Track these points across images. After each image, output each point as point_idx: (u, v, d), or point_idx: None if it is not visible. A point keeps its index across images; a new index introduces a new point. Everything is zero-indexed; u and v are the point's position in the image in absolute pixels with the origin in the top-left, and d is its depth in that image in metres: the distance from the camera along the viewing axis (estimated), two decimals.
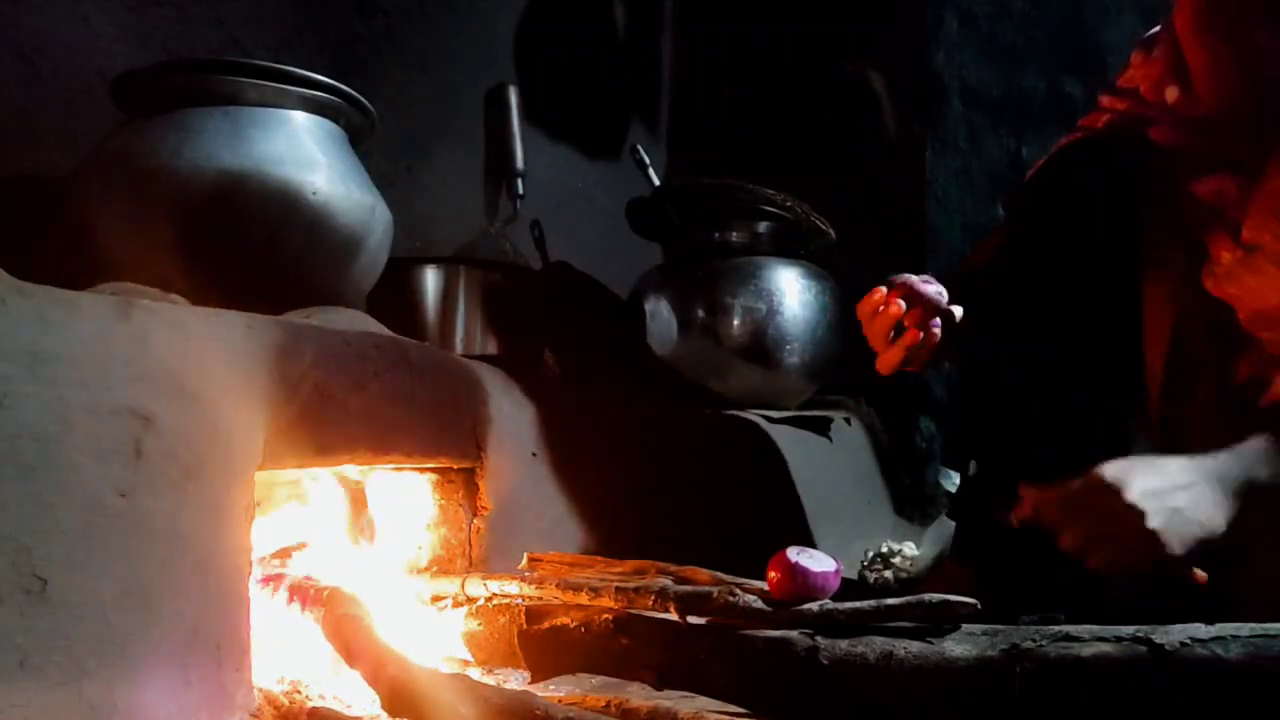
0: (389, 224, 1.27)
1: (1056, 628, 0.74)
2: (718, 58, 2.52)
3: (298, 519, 1.11)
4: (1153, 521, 0.89)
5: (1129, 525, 0.89)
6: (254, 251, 1.12)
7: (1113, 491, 0.90)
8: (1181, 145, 1.09)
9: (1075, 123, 1.24)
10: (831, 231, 1.78)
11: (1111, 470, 0.91)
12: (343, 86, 1.20)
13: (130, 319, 0.74)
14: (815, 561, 0.85)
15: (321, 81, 1.18)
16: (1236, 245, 1.00)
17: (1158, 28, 1.15)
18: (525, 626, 0.95)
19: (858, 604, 0.82)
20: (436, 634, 1.03)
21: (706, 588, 0.89)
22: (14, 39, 1.21)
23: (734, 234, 1.77)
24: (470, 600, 1.04)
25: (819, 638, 0.81)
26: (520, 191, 1.95)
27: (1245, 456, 0.92)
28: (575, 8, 2.28)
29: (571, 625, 0.93)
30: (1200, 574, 0.99)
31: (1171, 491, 0.90)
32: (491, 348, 1.66)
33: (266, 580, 1.01)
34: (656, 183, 1.87)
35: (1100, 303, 1.11)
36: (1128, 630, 0.71)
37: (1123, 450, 1.19)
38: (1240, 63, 1.03)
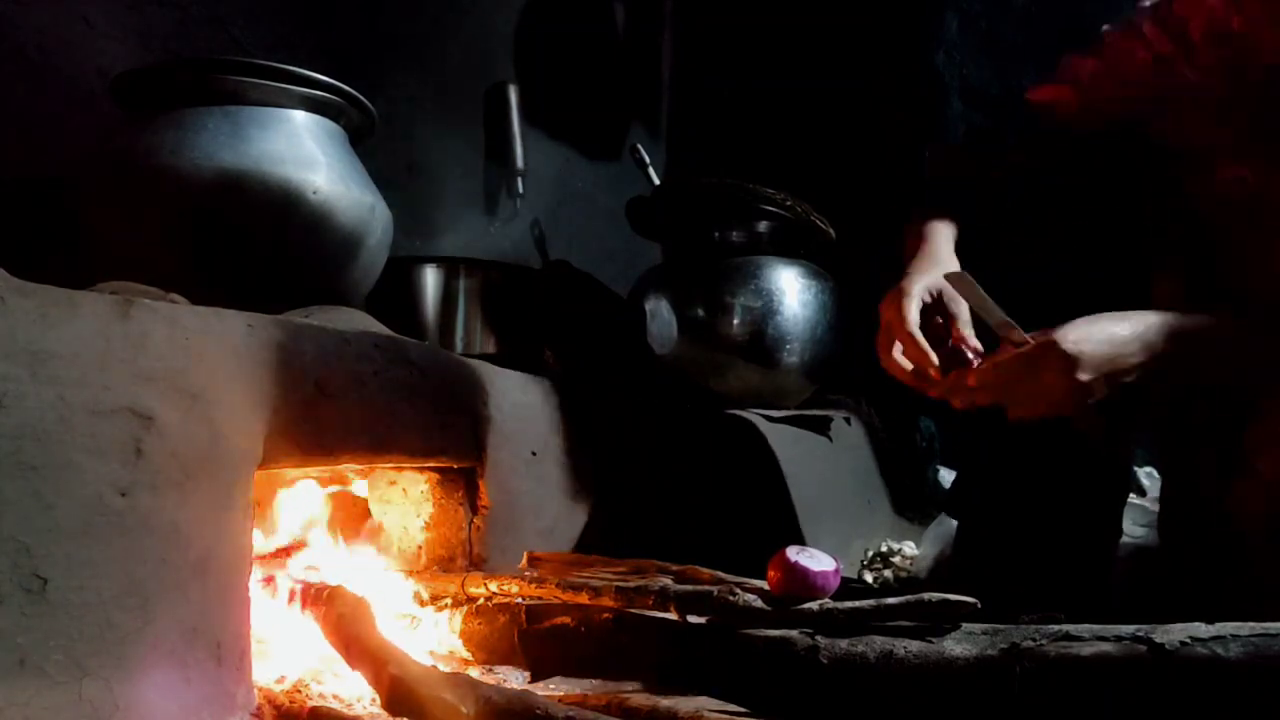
0: (389, 223, 1.27)
1: (1056, 627, 0.75)
2: (718, 58, 2.52)
3: (298, 518, 1.11)
4: (1082, 373, 0.90)
5: (1058, 376, 0.91)
6: (254, 251, 1.12)
7: (1049, 345, 0.91)
8: (1204, 132, 1.07)
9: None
10: (831, 231, 1.78)
11: (1070, 344, 0.92)
12: (343, 86, 1.20)
13: (130, 318, 0.74)
14: (815, 561, 0.85)
15: (322, 81, 1.18)
16: (1260, 234, 1.00)
17: None
18: (525, 626, 0.95)
19: (857, 603, 0.82)
20: (437, 633, 1.03)
21: (706, 587, 0.89)
22: (14, 39, 1.21)
23: (734, 233, 1.77)
24: (470, 599, 1.04)
25: (819, 637, 0.81)
26: (520, 191, 1.95)
27: (1186, 321, 0.93)
28: (575, 7, 2.28)
29: (572, 625, 0.93)
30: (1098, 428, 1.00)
31: (1107, 349, 0.91)
32: (491, 347, 1.66)
33: (267, 580, 1.01)
34: (656, 182, 1.88)
35: (1105, 298, 1.11)
36: (1128, 629, 0.71)
37: (1124, 459, 1.19)
38: None
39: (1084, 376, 0.91)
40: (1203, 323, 0.94)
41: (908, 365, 1.05)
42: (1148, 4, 1.11)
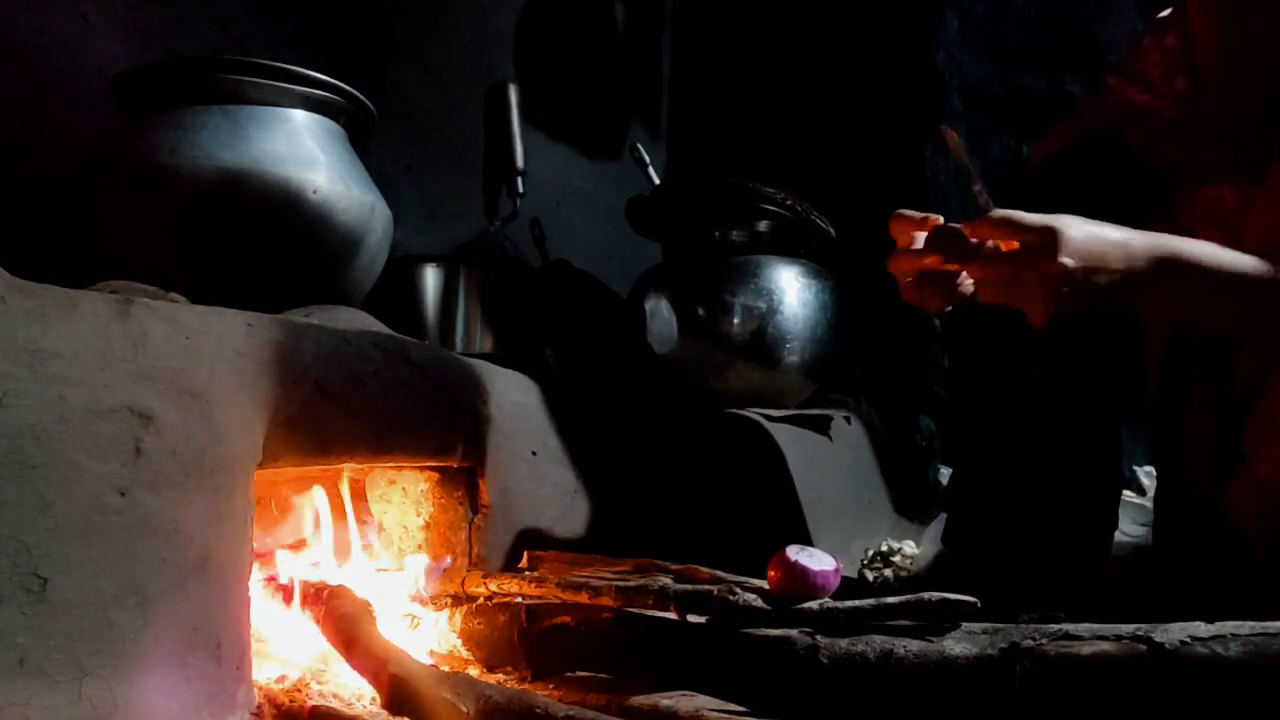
0: (389, 223, 1.27)
1: (1056, 626, 0.75)
2: (718, 58, 2.52)
3: (298, 518, 1.11)
4: (1065, 259, 0.88)
5: (1038, 256, 0.88)
6: (254, 250, 1.12)
7: (1048, 245, 0.88)
8: (1180, 150, 1.08)
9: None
10: (831, 230, 1.78)
11: (1058, 223, 0.89)
12: (343, 85, 1.20)
13: (130, 317, 0.74)
14: (815, 560, 0.85)
15: (322, 80, 1.18)
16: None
17: (1169, 11, 1.14)
18: (525, 625, 0.95)
19: (857, 602, 0.82)
20: (437, 633, 1.03)
21: (706, 586, 0.89)
22: (14, 38, 1.21)
23: (734, 233, 1.77)
24: (471, 599, 1.04)
25: (819, 636, 0.81)
26: (520, 190, 1.95)
27: (1182, 247, 0.92)
28: (575, 7, 2.28)
29: (572, 624, 0.93)
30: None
31: (1100, 267, 0.89)
32: (491, 347, 1.66)
33: (267, 580, 1.01)
34: (656, 181, 1.88)
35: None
36: (1128, 629, 0.71)
37: (1116, 454, 1.19)
38: (1246, 53, 1.02)
39: (1066, 261, 0.88)
40: (1197, 255, 0.92)
41: (919, 240, 1.00)
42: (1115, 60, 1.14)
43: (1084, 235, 0.89)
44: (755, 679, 0.83)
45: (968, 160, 0.98)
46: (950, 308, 1.04)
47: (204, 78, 1.13)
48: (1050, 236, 0.88)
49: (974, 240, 0.94)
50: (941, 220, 0.98)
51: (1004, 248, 0.92)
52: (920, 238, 0.99)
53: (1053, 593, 1.04)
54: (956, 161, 0.99)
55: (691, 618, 0.88)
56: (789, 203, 1.70)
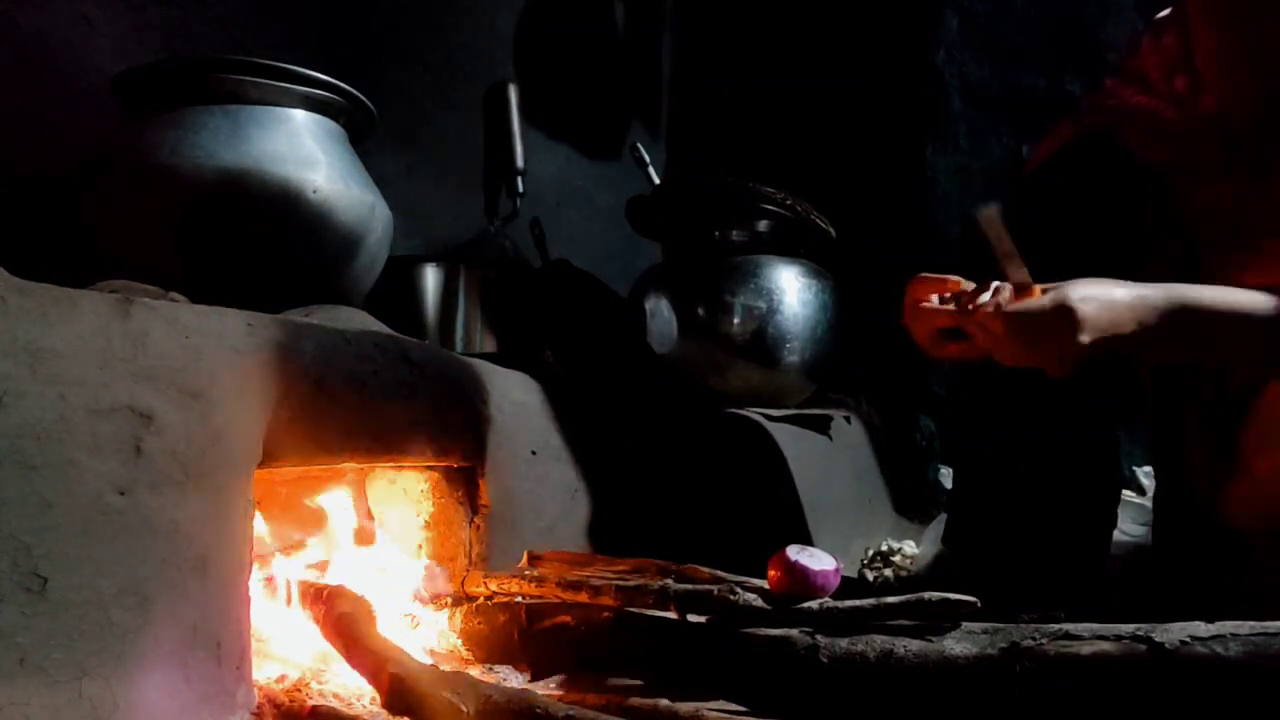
0: (389, 223, 1.27)
1: (1056, 626, 0.75)
2: (718, 58, 2.52)
3: (297, 517, 1.11)
4: (1083, 335, 0.90)
5: (1061, 336, 0.91)
6: (254, 250, 1.12)
7: (1067, 328, 0.91)
8: (1179, 150, 1.08)
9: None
10: (831, 230, 1.78)
11: (1071, 302, 0.91)
12: (343, 85, 1.20)
13: (130, 317, 0.74)
14: (815, 560, 0.85)
15: (322, 80, 1.18)
16: (1241, 252, 1.00)
17: (1168, 11, 1.14)
18: (526, 625, 0.95)
19: (857, 602, 0.82)
20: (437, 632, 1.03)
21: (706, 586, 0.89)
22: (14, 38, 1.21)
23: (734, 232, 1.77)
24: (471, 598, 1.04)
25: (819, 636, 0.81)
26: (520, 190, 1.95)
27: (1191, 295, 0.93)
28: (575, 7, 2.28)
29: (572, 624, 0.93)
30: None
31: (1109, 314, 0.91)
32: (491, 346, 1.66)
33: (267, 579, 1.01)
34: (656, 181, 1.88)
35: None
36: (1127, 628, 0.71)
37: (1116, 454, 1.19)
38: (1245, 54, 1.02)
39: (1084, 339, 0.90)
40: (1205, 302, 0.93)
41: (934, 301, 1.02)
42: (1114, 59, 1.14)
43: (1097, 308, 0.91)
44: (755, 679, 0.83)
45: (1009, 243, 0.97)
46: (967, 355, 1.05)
47: (204, 78, 1.13)
48: (1067, 320, 0.90)
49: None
50: (961, 282, 1.00)
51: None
52: (936, 299, 1.01)
53: (1053, 593, 1.04)
54: (996, 244, 0.97)
55: (691, 618, 0.88)
56: (789, 203, 1.70)
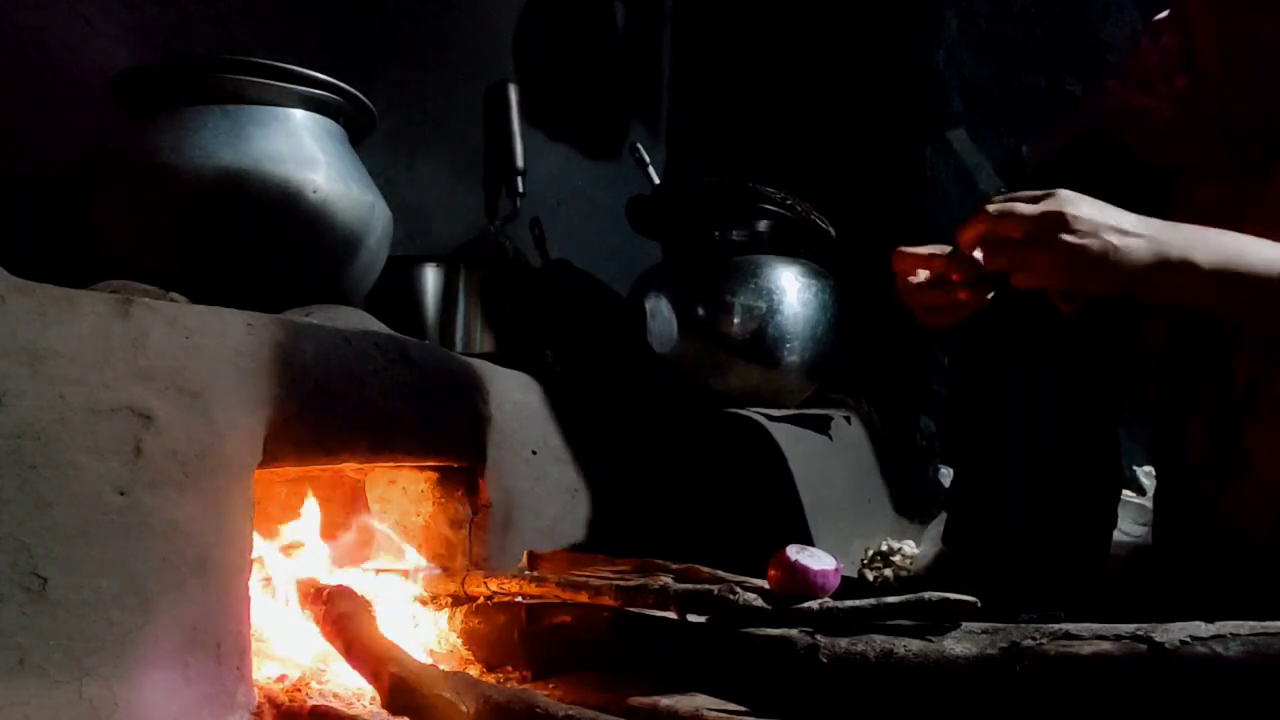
0: (389, 222, 1.27)
1: (1056, 626, 0.74)
2: (718, 58, 2.52)
3: (298, 517, 1.11)
4: (1091, 250, 0.87)
5: (1065, 249, 0.87)
6: (254, 249, 1.11)
7: (1062, 216, 0.87)
8: (1179, 150, 1.08)
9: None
10: (831, 230, 1.78)
11: (1068, 196, 0.88)
12: (343, 84, 1.20)
13: (130, 317, 0.74)
14: (815, 560, 0.85)
15: (322, 79, 1.18)
16: None
17: (1167, 10, 1.14)
18: (526, 625, 0.95)
19: (857, 602, 0.82)
20: (437, 632, 1.03)
21: (706, 586, 0.89)
22: (14, 38, 1.21)
23: (734, 232, 1.77)
24: (471, 598, 1.04)
25: (819, 636, 0.81)
26: (520, 190, 1.95)
27: (1196, 237, 0.90)
28: (575, 6, 2.28)
29: (571, 623, 0.93)
30: (1069, 305, 0.96)
31: (1115, 232, 0.88)
32: (491, 346, 1.66)
33: (267, 580, 1.01)
34: (656, 181, 1.88)
35: (1097, 303, 1.11)
36: (1128, 628, 0.71)
37: (1116, 454, 1.19)
38: (1245, 52, 1.02)
39: (1082, 225, 0.87)
40: (1226, 235, 0.90)
41: (921, 275, 1.00)
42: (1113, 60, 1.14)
43: (1090, 201, 0.88)
44: (755, 679, 0.83)
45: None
46: (957, 323, 1.05)
47: (204, 78, 1.13)
48: (1057, 221, 0.87)
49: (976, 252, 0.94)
50: (945, 250, 0.98)
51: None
52: (923, 274, 1.00)
53: (1053, 593, 1.04)
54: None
55: (691, 617, 0.88)
56: (789, 203, 1.70)
